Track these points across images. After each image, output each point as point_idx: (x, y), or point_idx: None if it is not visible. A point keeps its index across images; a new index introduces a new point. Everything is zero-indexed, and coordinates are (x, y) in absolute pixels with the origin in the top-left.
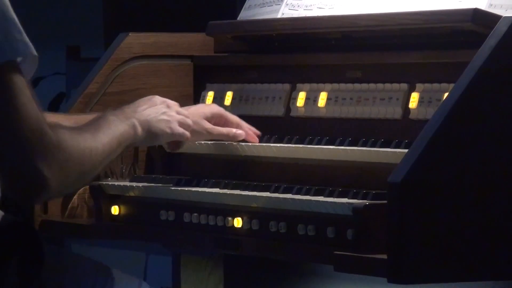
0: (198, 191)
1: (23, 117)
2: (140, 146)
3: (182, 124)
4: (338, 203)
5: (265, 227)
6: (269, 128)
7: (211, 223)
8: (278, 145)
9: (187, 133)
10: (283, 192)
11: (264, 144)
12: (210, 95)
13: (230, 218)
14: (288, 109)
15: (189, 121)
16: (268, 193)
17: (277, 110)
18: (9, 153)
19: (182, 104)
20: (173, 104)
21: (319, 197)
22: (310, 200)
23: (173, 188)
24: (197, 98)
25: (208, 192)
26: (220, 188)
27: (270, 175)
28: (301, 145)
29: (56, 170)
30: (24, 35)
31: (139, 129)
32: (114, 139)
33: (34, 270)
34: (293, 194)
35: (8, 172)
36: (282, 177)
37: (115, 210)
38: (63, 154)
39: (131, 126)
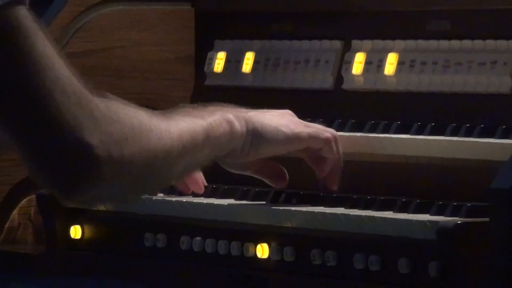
0: (202, 203)
1: (54, 78)
2: None
3: (309, 127)
4: (415, 221)
5: (304, 258)
6: (311, 107)
7: (223, 251)
8: None
9: (325, 135)
10: (331, 206)
11: None
12: (221, 57)
13: (251, 245)
14: (338, 78)
15: (328, 131)
16: (309, 206)
17: (323, 80)
18: (45, 130)
19: (180, 72)
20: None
21: (386, 212)
22: (373, 217)
23: (164, 199)
24: (200, 62)
25: (217, 205)
26: (235, 199)
27: (311, 180)
28: (358, 134)
29: (110, 144)
30: None
31: (237, 125)
32: (198, 128)
33: None
34: (346, 208)
35: (47, 154)
36: None
37: (75, 231)
38: (118, 125)
39: (225, 119)
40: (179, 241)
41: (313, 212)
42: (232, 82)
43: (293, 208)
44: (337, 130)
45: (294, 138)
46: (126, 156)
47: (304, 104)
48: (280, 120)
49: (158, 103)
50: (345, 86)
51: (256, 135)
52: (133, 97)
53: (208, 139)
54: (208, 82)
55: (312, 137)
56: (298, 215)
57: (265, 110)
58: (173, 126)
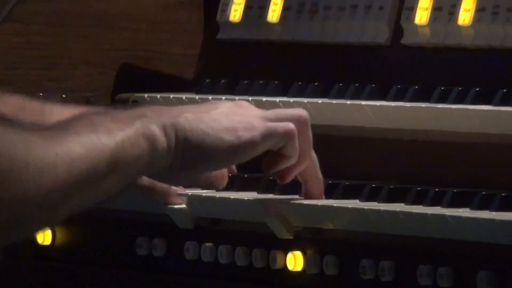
0: (214, 198)
1: None
2: None
3: (265, 123)
4: (499, 222)
5: (350, 271)
6: (360, 68)
7: (241, 262)
8: (378, 103)
9: (284, 129)
10: (387, 200)
11: (348, 102)
12: (239, 1)
13: (279, 253)
14: (397, 30)
15: (281, 126)
16: (357, 201)
17: (376, 32)
18: None
19: (184, 22)
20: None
21: (460, 209)
22: (443, 216)
23: None
24: (212, 8)
25: (235, 200)
26: (259, 192)
27: (362, 164)
28: (423, 104)
29: None
30: None
31: (161, 141)
32: (100, 153)
33: None
34: (407, 203)
35: None
36: (386, 167)
37: (43, 236)
38: None
39: (143, 134)
40: (183, 248)
41: (362, 210)
42: (254, 35)
43: (335, 204)
44: (395, 99)
45: (243, 146)
46: None
47: (351, 64)
48: (227, 121)
49: (153, 62)
50: (405, 40)
51: (189, 149)
52: (120, 55)
53: (116, 165)
54: (221, 35)
55: (266, 137)
56: (342, 213)
57: (209, 106)
58: (63, 154)
